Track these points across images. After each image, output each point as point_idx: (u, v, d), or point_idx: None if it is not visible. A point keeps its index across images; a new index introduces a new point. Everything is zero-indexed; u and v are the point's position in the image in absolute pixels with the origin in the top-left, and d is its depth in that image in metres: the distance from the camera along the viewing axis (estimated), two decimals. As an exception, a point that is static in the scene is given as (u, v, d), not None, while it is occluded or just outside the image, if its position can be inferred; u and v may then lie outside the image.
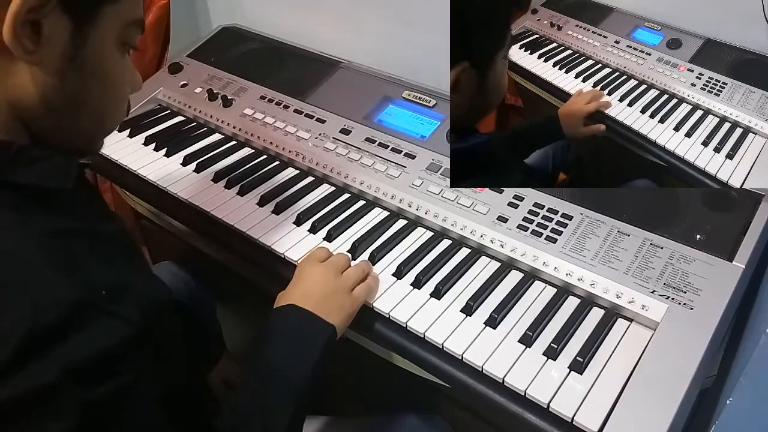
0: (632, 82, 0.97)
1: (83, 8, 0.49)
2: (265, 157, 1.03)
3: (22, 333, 0.41)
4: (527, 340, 0.68)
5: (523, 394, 0.63)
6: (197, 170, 0.99)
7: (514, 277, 0.77)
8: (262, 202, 0.91)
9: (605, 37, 1.04)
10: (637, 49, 1.00)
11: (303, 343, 0.67)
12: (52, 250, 0.47)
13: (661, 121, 0.90)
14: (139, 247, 0.65)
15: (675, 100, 0.92)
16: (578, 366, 0.65)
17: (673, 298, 0.69)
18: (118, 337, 0.47)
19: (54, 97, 0.50)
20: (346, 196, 0.93)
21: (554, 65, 1.04)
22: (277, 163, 1.01)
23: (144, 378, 0.50)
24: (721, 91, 0.90)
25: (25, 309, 0.42)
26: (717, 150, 0.84)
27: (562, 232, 0.78)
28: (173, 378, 0.62)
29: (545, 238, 0.78)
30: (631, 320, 0.71)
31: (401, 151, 0.94)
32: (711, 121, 0.89)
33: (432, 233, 0.85)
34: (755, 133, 0.85)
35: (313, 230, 0.86)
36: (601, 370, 0.65)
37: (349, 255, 0.80)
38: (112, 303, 0.47)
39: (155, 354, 0.52)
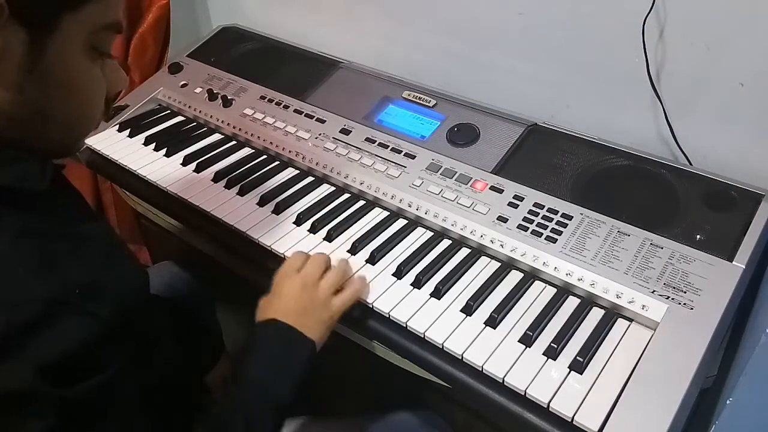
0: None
1: (39, 19, 0.46)
2: (265, 157, 1.03)
3: None
4: (527, 340, 0.68)
5: (523, 393, 0.63)
6: (197, 170, 0.99)
7: (514, 277, 0.77)
8: (262, 202, 0.91)
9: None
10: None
11: (286, 360, 0.67)
12: (26, 250, 0.46)
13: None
14: (122, 243, 0.64)
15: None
16: (578, 366, 0.65)
17: (673, 298, 0.69)
18: (92, 334, 0.47)
19: (14, 110, 0.48)
20: (346, 196, 0.93)
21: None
22: (277, 163, 1.01)
23: (121, 375, 0.50)
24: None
25: None
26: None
27: (562, 232, 0.78)
28: (163, 370, 0.62)
29: (545, 238, 0.78)
30: (631, 320, 0.71)
31: (401, 151, 0.94)
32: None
33: (432, 233, 0.85)
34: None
35: (313, 230, 0.86)
36: (601, 370, 0.65)
37: (326, 255, 0.77)
38: (86, 301, 0.47)
39: (138, 349, 0.53)
